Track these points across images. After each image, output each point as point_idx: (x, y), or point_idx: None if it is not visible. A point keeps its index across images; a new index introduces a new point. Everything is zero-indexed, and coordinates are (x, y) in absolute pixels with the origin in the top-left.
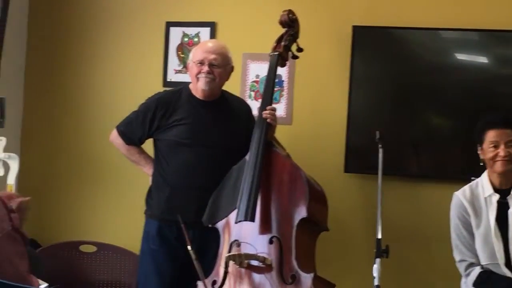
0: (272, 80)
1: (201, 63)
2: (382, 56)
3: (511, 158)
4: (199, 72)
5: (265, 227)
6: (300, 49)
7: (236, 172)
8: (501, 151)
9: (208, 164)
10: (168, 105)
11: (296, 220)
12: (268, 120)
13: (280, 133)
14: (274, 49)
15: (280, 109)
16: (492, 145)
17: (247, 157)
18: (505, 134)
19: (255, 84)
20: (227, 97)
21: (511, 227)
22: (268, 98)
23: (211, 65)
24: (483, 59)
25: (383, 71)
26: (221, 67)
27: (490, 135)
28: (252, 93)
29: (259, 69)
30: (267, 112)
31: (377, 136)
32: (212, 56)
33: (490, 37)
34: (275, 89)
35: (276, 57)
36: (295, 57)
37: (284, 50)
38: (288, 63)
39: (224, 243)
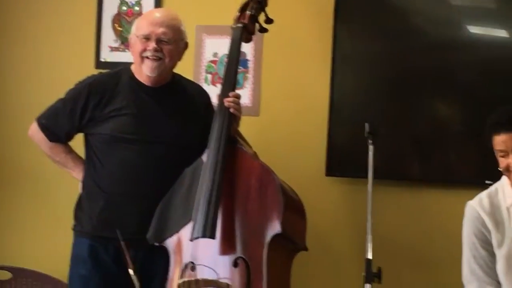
0: (235, 59)
1: (147, 38)
2: (374, 29)
3: None
4: (144, 50)
5: (228, 246)
6: (269, 20)
7: (190, 176)
8: None
9: (154, 165)
10: (104, 91)
11: (268, 237)
12: (231, 110)
13: (245, 127)
14: (238, 20)
15: (245, 96)
16: (500, 154)
17: (204, 157)
18: None
19: (212, 64)
20: (179, 81)
21: None
22: (230, 82)
23: (159, 41)
24: (502, 33)
25: (375, 48)
26: (172, 43)
27: (496, 142)
28: (209, 76)
29: (218, 46)
30: (230, 100)
31: (366, 130)
32: (161, 30)
33: (511, 5)
34: (239, 70)
35: (239, 30)
36: (263, 30)
37: (250, 21)
38: (254, 37)
39: (175, 266)
